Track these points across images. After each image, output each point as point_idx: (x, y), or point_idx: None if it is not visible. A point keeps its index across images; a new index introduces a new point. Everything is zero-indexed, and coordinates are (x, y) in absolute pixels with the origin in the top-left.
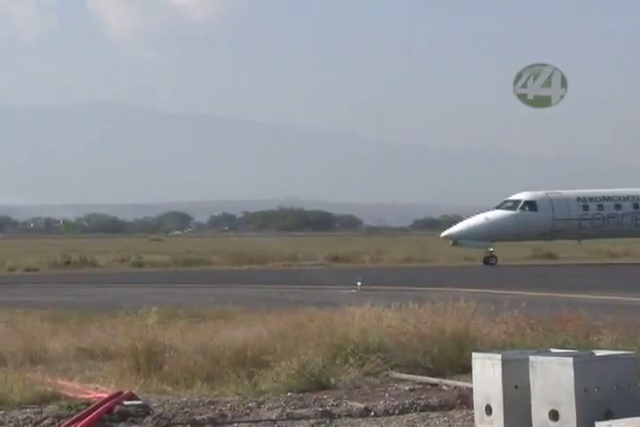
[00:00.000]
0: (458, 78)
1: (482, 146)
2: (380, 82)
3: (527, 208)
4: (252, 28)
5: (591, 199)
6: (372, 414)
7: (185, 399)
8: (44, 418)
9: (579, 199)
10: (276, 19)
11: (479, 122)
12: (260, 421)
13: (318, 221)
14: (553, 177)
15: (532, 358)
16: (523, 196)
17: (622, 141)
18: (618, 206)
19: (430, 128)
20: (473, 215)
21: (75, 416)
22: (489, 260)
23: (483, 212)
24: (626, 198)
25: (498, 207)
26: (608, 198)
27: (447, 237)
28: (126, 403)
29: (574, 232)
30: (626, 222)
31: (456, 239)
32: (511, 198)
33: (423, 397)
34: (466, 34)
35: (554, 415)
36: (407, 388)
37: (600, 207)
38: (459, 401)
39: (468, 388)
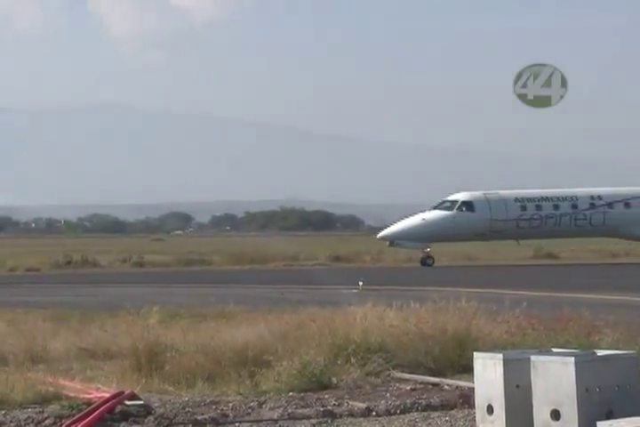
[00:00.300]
0: (458, 78)
1: (482, 146)
2: (381, 82)
3: (464, 209)
4: (252, 29)
5: (529, 200)
6: (374, 413)
7: (186, 399)
8: (46, 418)
9: (516, 200)
10: (276, 19)
11: (480, 122)
12: (261, 420)
13: (319, 221)
14: (553, 177)
15: (533, 357)
16: (460, 196)
17: (622, 141)
18: (556, 207)
19: (431, 128)
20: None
21: (76, 416)
22: (426, 260)
23: (422, 212)
24: (564, 199)
25: (435, 208)
26: (546, 199)
27: (384, 238)
28: (128, 403)
29: (512, 232)
30: (564, 223)
31: (392, 240)
32: (448, 199)
33: (425, 396)
34: (466, 33)
35: (555, 415)
36: (409, 388)
37: (538, 208)
38: (460, 401)
39: (469, 388)
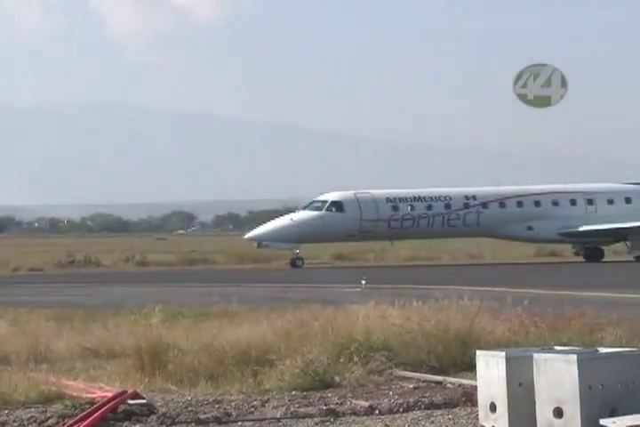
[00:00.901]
0: (457, 77)
1: (482, 144)
2: (382, 81)
3: (334, 209)
4: (253, 29)
5: (401, 200)
6: (377, 412)
7: (189, 398)
8: (49, 418)
9: (388, 200)
10: (277, 19)
11: (480, 121)
12: (264, 419)
13: None
14: (553, 176)
15: (535, 355)
16: (330, 196)
17: (622, 140)
18: (429, 207)
19: (431, 127)
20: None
21: (79, 416)
22: (295, 262)
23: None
24: (437, 199)
25: (305, 208)
26: (419, 199)
27: (252, 239)
28: (131, 402)
29: (384, 233)
30: (437, 223)
31: (260, 241)
32: (319, 199)
33: (427, 395)
34: (466, 33)
35: (558, 413)
36: (411, 386)
37: (411, 208)
38: (463, 399)
39: (472, 386)
